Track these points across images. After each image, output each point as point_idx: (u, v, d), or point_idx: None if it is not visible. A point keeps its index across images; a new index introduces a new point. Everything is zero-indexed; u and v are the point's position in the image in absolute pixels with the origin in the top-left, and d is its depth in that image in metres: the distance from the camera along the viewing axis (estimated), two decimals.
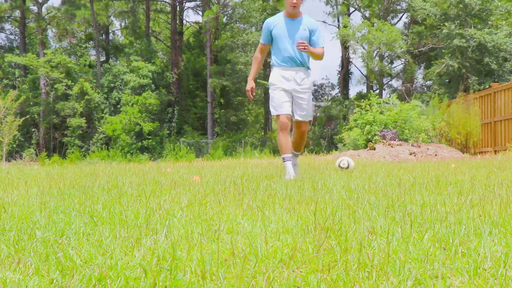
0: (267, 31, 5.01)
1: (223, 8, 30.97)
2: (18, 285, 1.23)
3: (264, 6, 30.57)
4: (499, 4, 21.35)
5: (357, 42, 26.94)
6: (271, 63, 5.12)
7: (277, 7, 30.65)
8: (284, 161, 4.93)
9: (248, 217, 2.20)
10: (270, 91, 5.06)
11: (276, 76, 4.99)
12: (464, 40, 20.19)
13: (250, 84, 5.15)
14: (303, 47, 4.67)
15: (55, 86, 29.75)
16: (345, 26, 27.62)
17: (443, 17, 22.17)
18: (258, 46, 5.22)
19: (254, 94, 5.17)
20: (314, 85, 33.08)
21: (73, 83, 29.82)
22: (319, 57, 4.93)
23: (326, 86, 33.62)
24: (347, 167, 5.87)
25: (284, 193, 3.09)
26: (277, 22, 4.97)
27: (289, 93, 4.94)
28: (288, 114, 4.89)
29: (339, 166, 5.93)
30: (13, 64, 34.62)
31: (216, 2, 30.89)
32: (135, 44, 31.75)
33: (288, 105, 4.91)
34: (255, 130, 35.21)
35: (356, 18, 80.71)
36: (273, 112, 4.98)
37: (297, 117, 5.03)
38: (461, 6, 20.98)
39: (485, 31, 20.21)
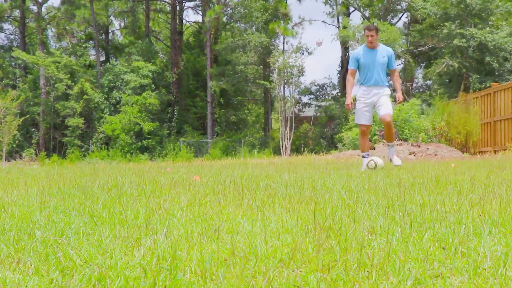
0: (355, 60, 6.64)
1: (224, 8, 30.98)
2: (18, 285, 1.23)
3: (265, 6, 30.56)
4: (500, 4, 21.35)
5: (357, 42, 26.93)
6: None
7: (278, 7, 30.64)
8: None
9: (248, 217, 2.20)
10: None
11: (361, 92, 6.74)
12: (464, 40, 20.19)
13: (348, 100, 6.77)
14: (401, 101, 6.68)
15: (56, 85, 29.74)
16: (344, 27, 27.61)
17: (443, 16, 22.17)
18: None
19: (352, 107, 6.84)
20: (316, 85, 33.03)
21: (73, 83, 29.82)
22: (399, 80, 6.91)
23: (327, 86, 33.58)
24: (375, 167, 5.93)
25: (284, 193, 3.09)
26: (361, 54, 6.58)
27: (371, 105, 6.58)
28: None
29: (367, 166, 6.17)
30: (13, 64, 34.61)
31: (217, 2, 30.88)
32: (136, 44, 31.74)
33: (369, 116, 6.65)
34: (255, 130, 35.20)
35: (356, 18, 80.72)
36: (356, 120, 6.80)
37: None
38: (462, 6, 20.97)
39: (486, 30, 20.21)
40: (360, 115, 6.62)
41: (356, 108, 6.71)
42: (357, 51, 6.67)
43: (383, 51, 6.55)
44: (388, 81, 7.16)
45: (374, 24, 7.51)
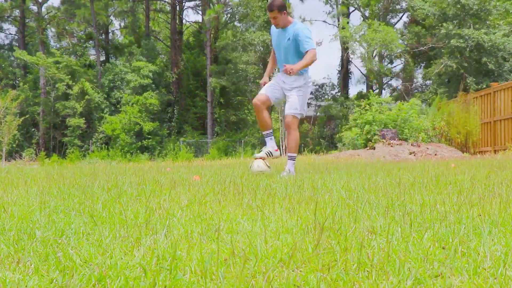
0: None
1: (224, 7, 30.98)
2: (18, 284, 1.23)
3: (265, 5, 30.53)
4: (498, 4, 21.35)
5: (356, 42, 26.96)
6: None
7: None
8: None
9: (248, 216, 2.20)
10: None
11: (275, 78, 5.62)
12: (462, 40, 20.19)
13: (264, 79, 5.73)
14: (289, 72, 5.12)
15: (56, 85, 29.74)
16: (343, 28, 27.62)
17: (441, 17, 22.18)
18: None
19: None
20: (315, 85, 33.03)
21: (74, 83, 29.82)
22: (310, 62, 5.25)
23: (326, 86, 33.59)
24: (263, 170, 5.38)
25: (283, 193, 3.09)
26: (273, 33, 5.57)
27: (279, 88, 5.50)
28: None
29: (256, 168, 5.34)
30: (13, 64, 34.60)
31: (217, 1, 30.87)
32: (142, 44, 31.73)
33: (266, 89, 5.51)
34: (255, 129, 35.20)
35: (356, 17, 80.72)
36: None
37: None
38: (459, 6, 20.99)
39: (482, 31, 20.21)
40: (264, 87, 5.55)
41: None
42: (272, 27, 5.57)
43: (291, 32, 5.31)
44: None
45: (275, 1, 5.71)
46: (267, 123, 5.58)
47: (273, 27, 5.49)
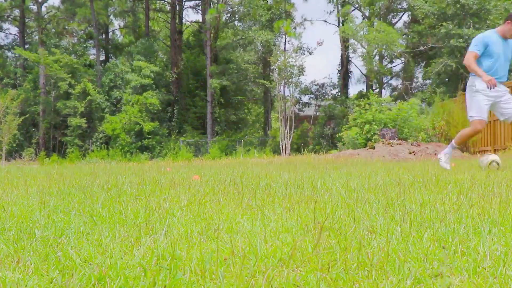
0: (484, 44, 5.73)
1: (224, 7, 30.95)
2: (18, 284, 1.23)
3: (268, 4, 30.55)
4: (497, 3, 21.34)
5: (356, 41, 26.96)
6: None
7: (282, 7, 30.61)
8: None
9: (248, 216, 2.20)
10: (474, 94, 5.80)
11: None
12: (461, 40, 20.19)
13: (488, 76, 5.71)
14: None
15: (58, 84, 29.72)
16: (342, 25, 27.61)
17: (441, 16, 22.18)
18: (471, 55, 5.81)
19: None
20: (316, 85, 33.02)
21: (76, 82, 29.81)
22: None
23: (327, 85, 33.59)
24: (498, 167, 5.64)
25: (283, 192, 3.09)
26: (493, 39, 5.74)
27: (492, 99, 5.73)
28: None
29: (488, 166, 5.69)
30: (13, 63, 34.58)
31: (217, 1, 30.86)
32: (137, 43, 31.72)
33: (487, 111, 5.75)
34: (254, 129, 35.21)
35: (354, 17, 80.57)
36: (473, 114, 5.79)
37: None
38: (458, 5, 20.99)
39: (482, 30, 20.21)
40: (482, 108, 5.67)
41: (475, 100, 5.74)
42: (488, 34, 5.77)
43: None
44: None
45: None
46: None
47: (489, 34, 5.75)
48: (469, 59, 5.70)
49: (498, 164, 5.66)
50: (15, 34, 37.52)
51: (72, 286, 1.21)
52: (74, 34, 36.80)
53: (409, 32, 27.91)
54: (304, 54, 25.13)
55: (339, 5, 32.20)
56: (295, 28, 31.19)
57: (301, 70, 24.77)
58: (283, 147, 23.38)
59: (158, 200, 2.76)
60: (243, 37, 30.05)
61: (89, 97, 28.95)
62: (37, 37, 33.56)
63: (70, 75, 29.80)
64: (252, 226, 1.94)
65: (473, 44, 5.77)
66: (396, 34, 25.56)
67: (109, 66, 31.87)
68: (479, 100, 5.68)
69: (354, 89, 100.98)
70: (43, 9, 34.24)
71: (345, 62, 32.57)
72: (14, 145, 27.23)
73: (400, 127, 14.58)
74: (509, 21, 5.56)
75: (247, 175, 5.04)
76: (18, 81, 32.88)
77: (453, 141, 6.01)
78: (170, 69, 32.14)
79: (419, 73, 31.35)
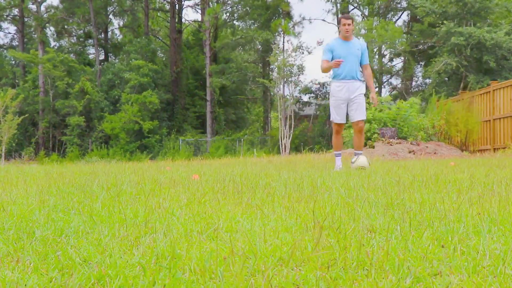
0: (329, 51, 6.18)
1: (223, 6, 30.93)
2: (17, 283, 1.23)
3: (266, 4, 30.52)
4: (499, 2, 21.33)
5: (359, 37, 26.92)
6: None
7: (279, 6, 30.59)
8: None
9: (247, 215, 2.20)
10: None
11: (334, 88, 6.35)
12: (462, 38, 20.18)
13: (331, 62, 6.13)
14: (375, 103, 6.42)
15: (56, 84, 29.71)
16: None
17: (442, 15, 22.16)
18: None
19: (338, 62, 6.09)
20: (315, 84, 33.03)
21: (74, 82, 29.79)
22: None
23: (327, 84, 33.59)
24: (364, 167, 5.77)
25: (283, 192, 3.09)
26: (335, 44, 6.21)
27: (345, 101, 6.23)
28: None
29: (355, 165, 5.89)
30: (12, 62, 34.54)
31: (216, 0, 30.85)
32: (134, 42, 31.70)
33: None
34: (254, 128, 35.20)
35: (355, 16, 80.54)
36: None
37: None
38: (460, 4, 20.97)
39: (484, 29, 20.20)
40: (337, 112, 6.30)
41: (331, 104, 6.41)
42: (331, 42, 6.29)
43: (357, 44, 6.24)
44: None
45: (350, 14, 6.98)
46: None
47: (332, 42, 6.20)
48: (321, 66, 6.25)
49: (364, 168, 5.76)
50: (14, 34, 37.51)
51: (71, 286, 1.21)
52: (74, 33, 36.78)
53: (409, 30, 27.91)
54: (303, 53, 25.07)
55: (338, 4, 32.18)
56: (293, 27, 31.17)
57: (301, 69, 24.76)
58: (283, 146, 23.37)
59: (158, 200, 2.76)
60: (242, 37, 30.03)
61: (87, 96, 28.93)
62: (36, 38, 33.53)
63: (66, 73, 29.78)
64: (252, 225, 1.94)
65: (322, 55, 6.25)
66: (401, 32, 25.55)
67: (107, 65, 31.85)
68: (334, 103, 6.30)
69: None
70: (42, 8, 34.23)
71: None
72: (14, 144, 27.22)
73: (399, 126, 14.58)
74: (339, 25, 6.20)
75: (247, 174, 5.04)
76: (16, 81, 32.85)
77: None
78: (169, 68, 32.12)
79: (419, 72, 31.34)
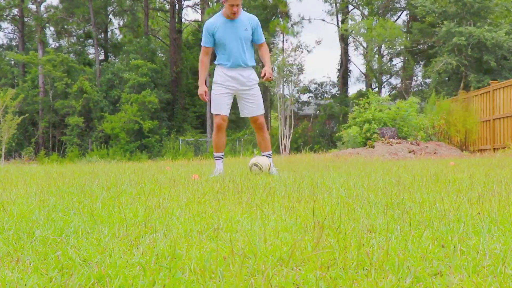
0: (210, 34, 5.07)
1: (222, 6, 30.89)
2: (17, 283, 1.23)
3: (264, 4, 30.52)
4: (499, 2, 21.34)
5: (356, 40, 26.96)
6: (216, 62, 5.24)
7: (277, 5, 30.61)
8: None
9: (247, 215, 2.20)
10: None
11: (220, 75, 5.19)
12: (463, 38, 20.18)
13: (203, 88, 5.21)
14: (268, 79, 5.05)
15: (55, 84, 29.70)
16: (343, 25, 27.61)
17: (442, 14, 22.17)
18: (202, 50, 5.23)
19: (207, 97, 5.26)
20: (315, 84, 33.03)
21: (73, 82, 29.78)
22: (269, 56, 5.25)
23: (326, 84, 33.60)
24: (260, 171, 4.99)
25: (283, 191, 3.09)
26: (217, 24, 5.05)
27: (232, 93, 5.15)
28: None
29: (251, 170, 5.05)
30: (12, 62, 34.53)
31: (216, 0, 30.84)
32: (134, 42, 31.69)
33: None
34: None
35: (355, 16, 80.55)
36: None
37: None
38: (460, 3, 20.98)
39: (484, 28, 20.20)
40: (219, 103, 5.15)
41: (213, 94, 5.19)
42: (211, 22, 5.08)
43: (246, 22, 5.07)
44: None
45: None
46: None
47: (213, 21, 5.05)
48: (199, 59, 5.25)
49: (259, 167, 4.98)
50: (14, 34, 37.49)
51: (71, 285, 1.21)
52: (73, 33, 36.77)
53: (411, 30, 27.91)
54: (302, 52, 25.10)
55: (337, 4, 32.18)
56: (292, 26, 31.19)
57: (300, 69, 24.78)
58: (283, 146, 23.38)
59: (158, 200, 2.76)
60: None
61: (85, 95, 28.90)
62: (36, 38, 33.54)
63: (66, 74, 29.77)
64: (252, 225, 1.94)
65: (202, 39, 5.17)
66: (401, 31, 25.57)
67: (107, 65, 31.83)
68: (217, 94, 5.15)
69: (353, 88, 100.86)
70: (42, 8, 34.22)
71: (344, 61, 32.57)
72: (14, 144, 27.22)
73: (399, 126, 14.58)
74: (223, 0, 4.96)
75: (247, 174, 5.04)
76: (15, 81, 32.84)
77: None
78: (169, 68, 32.11)
79: (418, 72, 31.36)
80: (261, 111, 5.26)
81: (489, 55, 20.11)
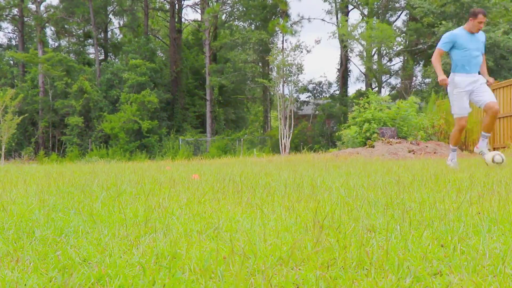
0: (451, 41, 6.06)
1: (222, 6, 30.92)
2: (17, 283, 1.23)
3: (263, 3, 30.52)
4: (497, 1, 21.34)
5: (354, 40, 26.96)
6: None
7: (278, 4, 30.59)
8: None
9: (247, 215, 2.20)
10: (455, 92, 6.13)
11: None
12: None
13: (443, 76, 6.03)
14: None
15: (55, 84, 29.69)
16: (342, 26, 27.61)
17: (441, 15, 22.17)
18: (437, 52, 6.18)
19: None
20: (314, 83, 33.02)
21: (72, 81, 29.77)
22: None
23: (325, 84, 33.60)
24: (502, 162, 5.64)
25: (283, 191, 3.09)
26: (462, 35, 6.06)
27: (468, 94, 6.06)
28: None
29: (492, 161, 5.71)
30: (11, 62, 34.51)
31: (216, 0, 30.84)
32: (133, 42, 31.69)
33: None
34: (254, 128, 35.20)
35: (355, 15, 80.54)
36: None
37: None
38: (458, 4, 20.99)
39: (483, 28, 20.22)
40: (462, 105, 6.13)
41: (455, 97, 6.17)
42: (455, 32, 6.12)
43: (482, 36, 6.21)
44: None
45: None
46: None
47: (457, 31, 6.04)
48: (434, 56, 6.15)
49: (502, 158, 5.70)
50: (13, 33, 37.48)
51: (71, 285, 1.21)
52: (73, 33, 36.75)
53: (408, 30, 27.91)
54: (302, 52, 25.08)
55: (337, 4, 32.17)
56: (291, 26, 31.20)
57: (300, 68, 24.77)
58: (283, 145, 23.37)
59: (158, 199, 2.76)
60: (241, 37, 30.04)
61: (85, 95, 28.90)
62: (35, 38, 33.52)
63: (65, 73, 29.76)
64: (252, 225, 1.94)
65: (441, 42, 6.08)
66: (392, 31, 25.56)
67: (106, 65, 31.83)
68: (458, 96, 6.07)
69: (353, 88, 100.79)
70: (42, 8, 34.21)
71: (344, 61, 32.57)
72: (13, 144, 27.21)
73: (399, 126, 14.58)
74: (471, 18, 5.96)
75: (247, 173, 5.04)
76: (15, 81, 32.83)
77: (450, 145, 6.38)
78: (169, 68, 32.11)
79: (418, 72, 31.37)
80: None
81: (487, 54, 20.11)
